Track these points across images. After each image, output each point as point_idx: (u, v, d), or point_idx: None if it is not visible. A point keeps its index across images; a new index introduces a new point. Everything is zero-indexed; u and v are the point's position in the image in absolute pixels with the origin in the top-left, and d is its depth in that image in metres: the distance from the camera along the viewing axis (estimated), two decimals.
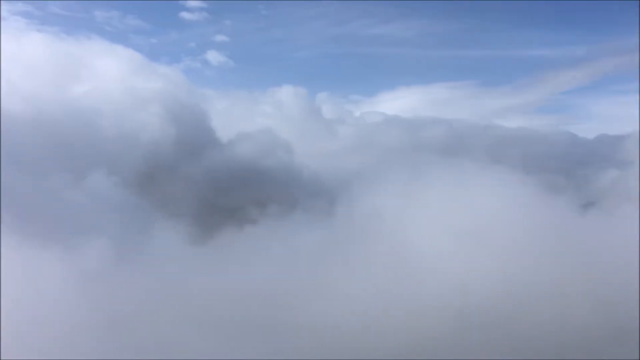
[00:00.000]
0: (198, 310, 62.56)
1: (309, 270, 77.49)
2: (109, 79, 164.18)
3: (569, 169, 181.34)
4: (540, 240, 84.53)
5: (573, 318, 60.90)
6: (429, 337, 59.97)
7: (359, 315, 64.99)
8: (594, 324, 58.64)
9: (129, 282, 63.01)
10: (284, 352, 55.57)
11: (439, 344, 58.62)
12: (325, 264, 78.90)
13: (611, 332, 56.97)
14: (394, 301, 68.40)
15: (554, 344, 58.06)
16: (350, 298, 68.80)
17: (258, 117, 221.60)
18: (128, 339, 51.49)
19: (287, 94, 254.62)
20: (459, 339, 59.64)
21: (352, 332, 60.79)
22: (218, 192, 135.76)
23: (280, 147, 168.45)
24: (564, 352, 55.95)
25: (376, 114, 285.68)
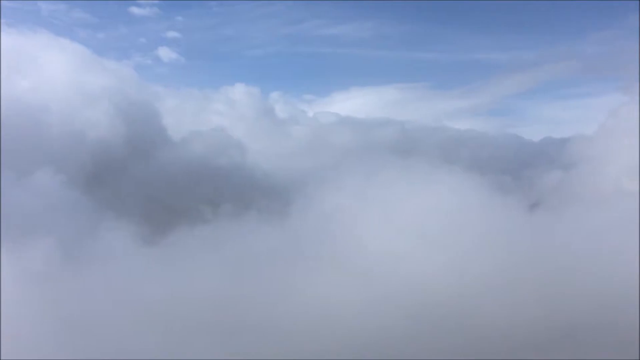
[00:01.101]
0: (148, 312, 61.12)
1: (263, 271, 76.69)
2: (56, 73, 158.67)
3: (516, 170, 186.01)
4: (491, 239, 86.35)
5: (523, 316, 62.35)
6: (384, 337, 60.24)
7: (315, 316, 64.70)
8: (544, 322, 60.17)
9: (76, 283, 61.11)
10: (235, 354, 54.94)
11: (394, 344, 58.97)
12: (280, 264, 78.29)
13: (560, 329, 58.55)
14: (350, 302, 68.41)
15: (505, 342, 59.21)
16: (306, 299, 68.40)
17: (210, 115, 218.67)
18: (76, 341, 49.93)
19: (240, 93, 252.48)
20: (414, 339, 60.20)
21: (307, 333, 60.48)
22: (169, 191, 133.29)
23: (233, 146, 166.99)
24: (514, 350, 57.12)
25: (330, 114, 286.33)
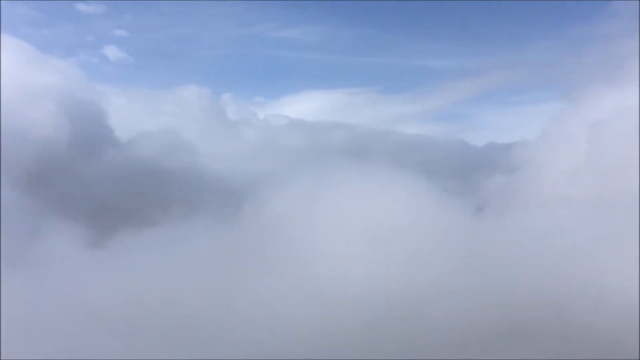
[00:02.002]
0: (94, 317, 59.84)
1: (214, 274, 76.04)
2: None
3: (463, 174, 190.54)
4: (440, 242, 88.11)
5: (470, 319, 63.81)
6: (336, 339, 60.57)
7: (266, 320, 64.57)
8: (490, 325, 61.70)
9: (19, 288, 59.34)
10: (184, 356, 54.29)
11: (345, 346, 59.39)
12: (231, 268, 77.78)
13: (506, 331, 60.18)
14: (301, 305, 68.65)
15: (453, 345, 60.38)
16: (257, 302, 68.15)
17: (160, 116, 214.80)
18: (18, 346, 48.56)
19: (190, 94, 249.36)
20: (364, 341, 60.77)
21: (259, 337, 60.32)
22: (116, 193, 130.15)
23: (183, 148, 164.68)
24: (462, 353, 58.35)
25: (280, 117, 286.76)
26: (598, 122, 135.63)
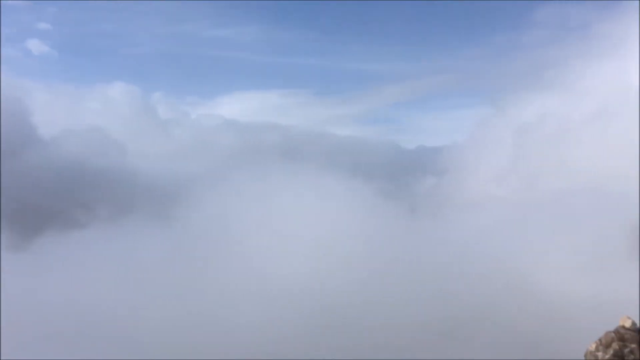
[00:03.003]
0: (14, 322, 56.88)
1: (144, 277, 73.98)
2: None
3: (394, 176, 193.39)
4: (374, 243, 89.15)
5: (406, 317, 64.47)
6: (270, 336, 60.00)
7: (200, 319, 63.28)
8: (424, 321, 62.49)
9: None
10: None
11: (280, 343, 58.92)
12: (163, 269, 75.84)
13: (441, 330, 61.11)
14: (237, 306, 67.69)
15: (387, 341, 60.80)
16: (191, 305, 66.89)
17: (85, 114, 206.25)
18: None
19: (118, 91, 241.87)
20: (300, 338, 60.38)
21: (193, 337, 59.09)
22: (39, 193, 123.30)
23: (112, 147, 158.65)
24: (396, 348, 58.80)
25: (214, 117, 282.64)
26: (523, 127, 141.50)
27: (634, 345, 9.36)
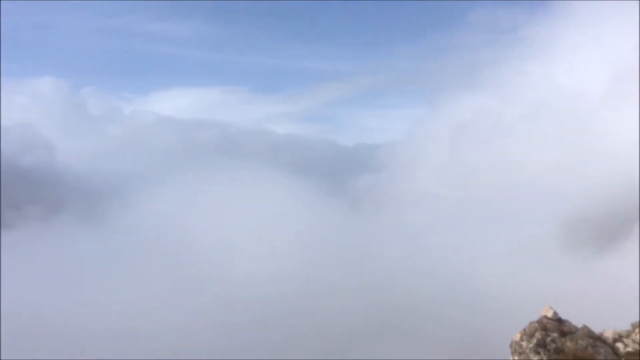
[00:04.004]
0: None
1: (76, 277, 71.79)
2: None
3: (333, 173, 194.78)
4: (314, 240, 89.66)
5: (346, 313, 65.14)
6: (212, 339, 59.43)
7: (133, 320, 62.05)
8: (365, 317, 63.28)
9: None
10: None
11: (225, 345, 58.43)
12: (96, 270, 73.86)
13: (380, 324, 62.02)
14: (170, 304, 66.84)
15: (328, 337, 61.19)
16: (128, 301, 65.61)
17: (12, 109, 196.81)
18: None
19: (46, 86, 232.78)
20: (243, 339, 60.04)
21: (129, 336, 57.90)
22: None
23: (40, 144, 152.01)
24: (337, 345, 59.34)
25: (149, 114, 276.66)
26: (459, 125, 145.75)
27: (555, 334, 9.80)
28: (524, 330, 10.29)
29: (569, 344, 9.40)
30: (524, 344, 9.97)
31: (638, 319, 11.92)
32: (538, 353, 9.48)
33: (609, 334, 10.43)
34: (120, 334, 58.08)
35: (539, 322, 10.26)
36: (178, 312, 64.81)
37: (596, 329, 11.08)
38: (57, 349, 52.04)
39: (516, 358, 10.15)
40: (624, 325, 12.27)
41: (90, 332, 57.02)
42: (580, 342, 9.48)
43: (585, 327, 10.12)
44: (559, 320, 10.23)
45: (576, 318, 11.24)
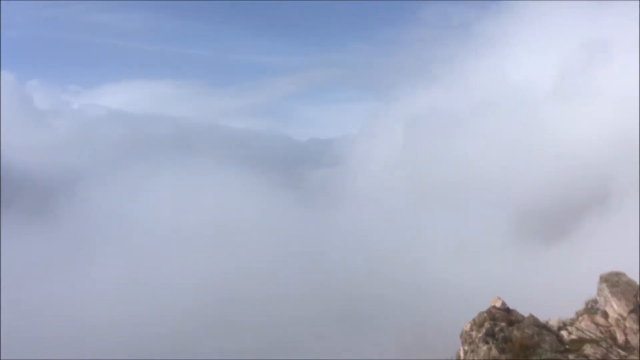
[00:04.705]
0: None
1: (23, 274, 69.70)
2: None
3: (287, 168, 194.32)
4: (268, 235, 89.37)
5: (300, 309, 65.21)
6: (159, 338, 58.63)
7: (81, 317, 60.76)
8: (319, 311, 63.47)
9: None
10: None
11: (170, 341, 57.83)
12: (45, 265, 71.89)
13: (337, 313, 62.29)
14: (119, 301, 65.63)
15: (279, 331, 61.12)
16: (77, 297, 64.56)
17: None
18: None
19: None
20: (193, 337, 59.47)
21: (80, 330, 56.92)
22: None
23: None
24: (289, 337, 59.33)
25: (98, 107, 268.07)
26: (411, 119, 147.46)
27: (503, 324, 9.99)
28: (474, 320, 10.46)
29: (516, 333, 9.61)
30: (474, 333, 10.13)
31: (582, 308, 12.29)
32: (487, 342, 9.64)
33: (554, 322, 10.72)
34: (71, 328, 56.82)
35: (488, 312, 10.45)
36: (129, 307, 63.62)
37: (543, 317, 11.36)
38: (8, 345, 50.57)
39: (466, 348, 10.30)
40: (569, 314, 12.63)
41: (39, 327, 55.52)
42: (526, 330, 9.71)
43: (531, 316, 10.37)
44: (507, 310, 10.45)
45: (525, 307, 11.50)
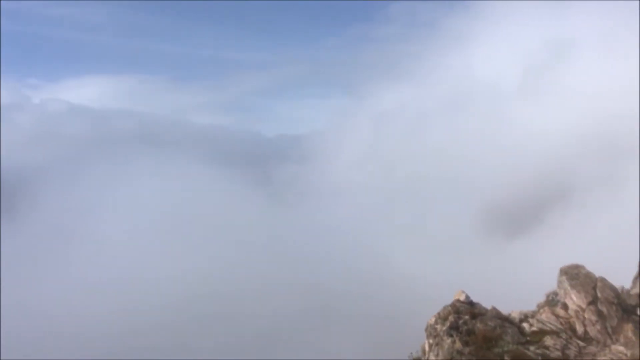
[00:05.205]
0: None
1: None
2: None
3: (256, 164, 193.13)
4: (237, 231, 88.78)
5: (272, 299, 65.01)
6: (119, 333, 57.97)
7: (46, 316, 59.67)
8: (289, 308, 63.39)
9: None
10: None
11: (131, 339, 57.12)
12: (6, 265, 70.12)
13: (307, 309, 62.29)
14: (86, 299, 64.59)
15: (250, 330, 60.86)
16: (40, 298, 63.19)
17: None
18: None
19: None
20: (165, 335, 58.78)
21: (33, 334, 55.73)
22: None
23: None
24: (260, 336, 59.13)
25: (60, 102, 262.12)
26: (380, 115, 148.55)
27: (467, 317, 10.17)
28: (438, 313, 10.61)
29: (479, 326, 9.78)
30: (438, 327, 10.28)
31: (543, 300, 12.59)
32: (451, 335, 9.79)
33: (515, 315, 10.96)
34: (38, 326, 55.79)
35: (452, 305, 10.62)
36: (96, 305, 62.59)
37: (506, 310, 11.60)
38: None
39: (431, 341, 10.43)
40: (531, 306, 12.92)
41: (5, 326, 54.38)
42: (489, 323, 9.89)
43: (494, 309, 10.58)
44: (470, 304, 10.63)
45: (489, 300, 11.71)
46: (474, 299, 11.30)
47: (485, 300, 11.62)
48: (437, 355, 9.78)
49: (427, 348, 10.59)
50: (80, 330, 58.03)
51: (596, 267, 12.08)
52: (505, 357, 9.18)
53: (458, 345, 9.38)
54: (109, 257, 76.66)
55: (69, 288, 66.39)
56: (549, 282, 12.56)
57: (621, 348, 10.11)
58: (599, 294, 11.00)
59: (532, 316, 11.08)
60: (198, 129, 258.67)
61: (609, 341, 10.37)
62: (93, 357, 52.81)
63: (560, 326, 10.62)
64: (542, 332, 10.31)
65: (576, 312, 10.84)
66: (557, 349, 9.76)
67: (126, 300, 65.46)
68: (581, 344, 10.23)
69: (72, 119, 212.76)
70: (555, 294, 11.81)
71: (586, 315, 10.71)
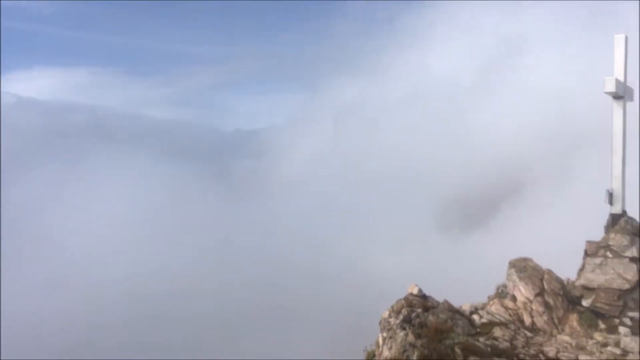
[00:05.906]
0: None
1: None
2: None
3: (212, 159, 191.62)
4: (193, 226, 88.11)
5: (230, 297, 64.83)
6: (77, 330, 57.15)
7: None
8: (249, 302, 63.34)
9: None
10: None
11: (91, 337, 56.42)
12: None
13: (265, 308, 62.28)
14: (40, 298, 63.50)
15: (206, 328, 60.60)
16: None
17: None
18: None
19: None
20: (115, 330, 58.20)
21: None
22: None
23: None
24: (221, 332, 58.98)
25: (7, 95, 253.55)
26: (340, 110, 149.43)
27: (419, 310, 10.36)
28: (392, 307, 10.76)
29: (431, 319, 9.97)
30: (392, 320, 10.42)
31: (494, 292, 12.94)
32: (404, 328, 9.93)
33: (466, 307, 11.24)
34: None
35: (405, 299, 10.78)
36: (49, 304, 61.45)
37: (458, 302, 11.88)
38: None
39: (384, 334, 10.58)
40: (483, 299, 13.26)
41: None
42: (441, 316, 10.10)
43: (446, 302, 10.82)
44: (423, 297, 10.82)
45: (442, 294, 11.97)
46: (429, 292, 11.53)
47: (439, 293, 11.86)
48: (391, 348, 9.92)
49: (380, 341, 10.73)
50: (30, 328, 56.95)
51: (544, 260, 12.47)
52: (456, 349, 9.41)
53: (411, 337, 9.55)
54: (61, 254, 75.18)
55: (19, 285, 64.90)
56: (500, 274, 12.91)
57: (567, 338, 10.49)
58: (545, 286, 11.37)
59: (482, 308, 11.39)
60: (154, 123, 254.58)
61: (555, 331, 10.74)
62: (42, 358, 51.94)
63: (509, 317, 10.95)
64: (491, 324, 10.60)
65: (524, 303, 11.20)
66: (506, 340, 10.06)
67: (78, 298, 64.49)
68: (529, 334, 10.56)
69: (21, 113, 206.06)
70: (505, 286, 12.16)
71: (534, 307, 11.07)
